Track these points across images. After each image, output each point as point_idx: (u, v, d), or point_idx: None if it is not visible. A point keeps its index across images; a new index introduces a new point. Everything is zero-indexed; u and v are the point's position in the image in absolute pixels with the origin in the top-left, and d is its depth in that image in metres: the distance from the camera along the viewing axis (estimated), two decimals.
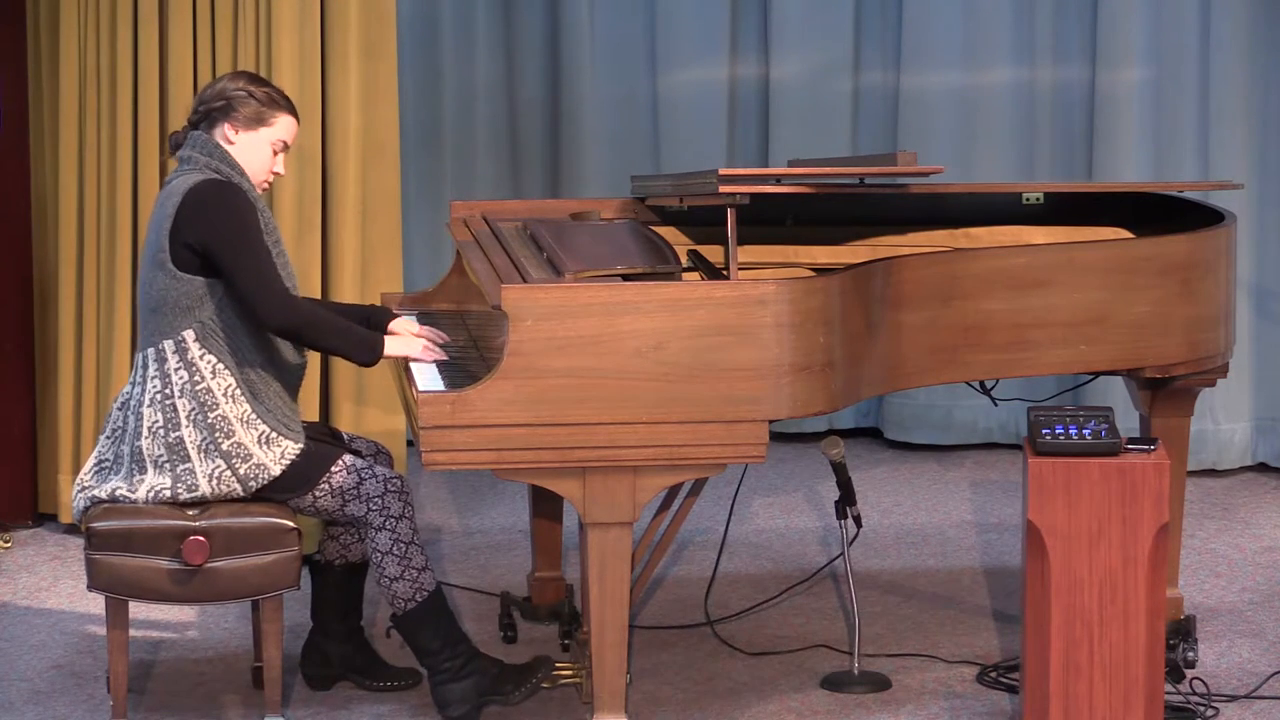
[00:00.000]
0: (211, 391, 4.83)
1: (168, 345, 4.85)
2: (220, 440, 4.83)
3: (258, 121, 4.94)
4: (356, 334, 4.91)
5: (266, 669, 4.94)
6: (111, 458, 4.95)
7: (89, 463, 4.98)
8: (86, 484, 4.95)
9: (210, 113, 4.95)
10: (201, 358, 4.84)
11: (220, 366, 4.85)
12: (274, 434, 4.86)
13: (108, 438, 4.97)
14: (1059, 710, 4.66)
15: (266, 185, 5.00)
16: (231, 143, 4.93)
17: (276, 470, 4.85)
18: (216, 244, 4.80)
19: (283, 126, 4.97)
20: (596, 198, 6.53)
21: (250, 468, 4.84)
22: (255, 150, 4.95)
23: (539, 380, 4.59)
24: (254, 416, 4.85)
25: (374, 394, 6.18)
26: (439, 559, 6.25)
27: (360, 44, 6.12)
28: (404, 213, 6.48)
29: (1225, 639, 5.55)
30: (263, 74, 6.04)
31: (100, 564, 4.84)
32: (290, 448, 4.87)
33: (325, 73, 6.12)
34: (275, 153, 4.97)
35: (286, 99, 5.00)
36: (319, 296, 6.09)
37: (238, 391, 4.84)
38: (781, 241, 5.60)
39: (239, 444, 4.84)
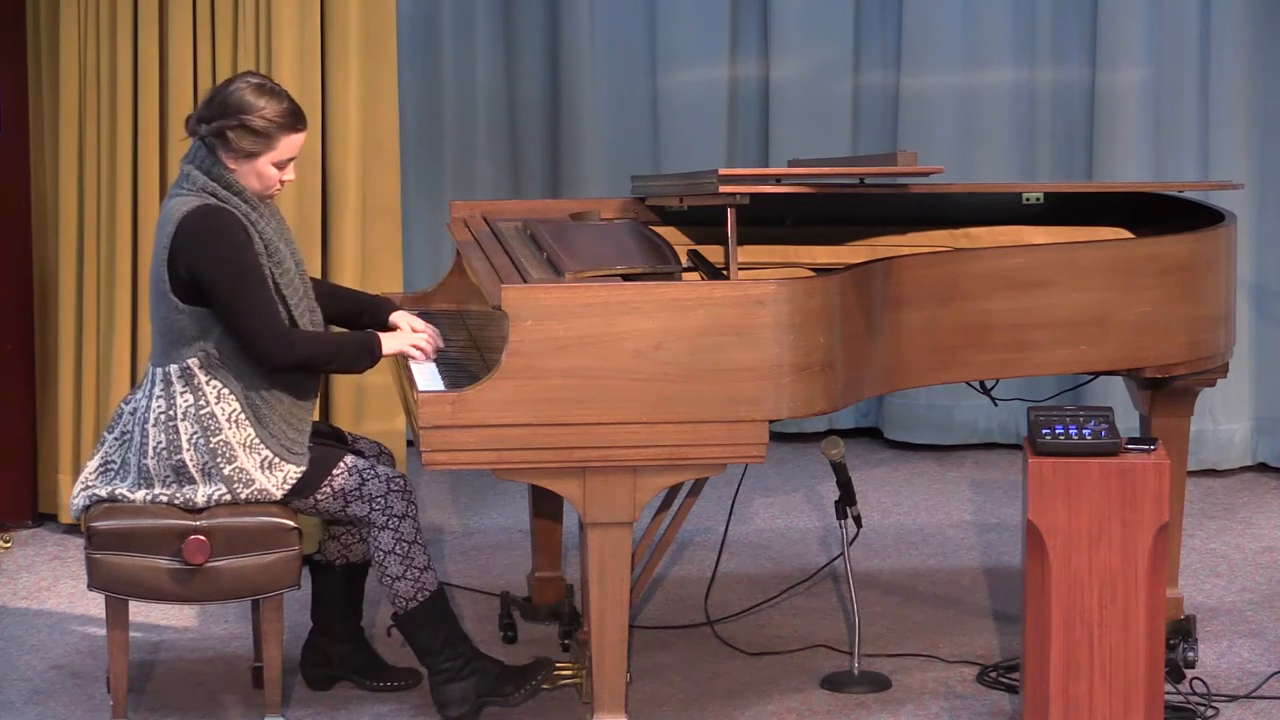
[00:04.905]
0: (215, 416, 4.81)
1: (174, 370, 4.83)
2: (222, 465, 4.82)
3: (253, 155, 4.81)
4: (352, 349, 4.88)
5: (266, 669, 4.94)
6: (118, 462, 4.94)
7: (94, 461, 4.97)
8: (90, 483, 4.94)
9: (212, 133, 4.80)
10: (207, 383, 4.82)
11: (225, 391, 4.82)
12: (277, 459, 4.84)
13: (116, 439, 4.95)
14: (1059, 710, 4.66)
15: (275, 193, 4.91)
16: (232, 169, 4.82)
17: (278, 494, 4.85)
18: (209, 279, 4.74)
19: (284, 148, 4.84)
20: (596, 198, 6.53)
21: (252, 492, 4.84)
22: (257, 174, 4.83)
23: (539, 380, 4.59)
24: (257, 441, 4.83)
25: (373, 394, 6.18)
26: (439, 559, 6.25)
27: (360, 44, 6.11)
28: (404, 213, 6.47)
29: (1225, 639, 5.55)
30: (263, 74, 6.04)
31: (100, 563, 4.84)
32: (293, 472, 4.86)
33: (325, 72, 6.12)
34: (280, 168, 4.86)
35: (289, 115, 4.82)
36: None
37: (242, 416, 4.82)
38: (781, 241, 5.60)
39: (241, 469, 4.82)
